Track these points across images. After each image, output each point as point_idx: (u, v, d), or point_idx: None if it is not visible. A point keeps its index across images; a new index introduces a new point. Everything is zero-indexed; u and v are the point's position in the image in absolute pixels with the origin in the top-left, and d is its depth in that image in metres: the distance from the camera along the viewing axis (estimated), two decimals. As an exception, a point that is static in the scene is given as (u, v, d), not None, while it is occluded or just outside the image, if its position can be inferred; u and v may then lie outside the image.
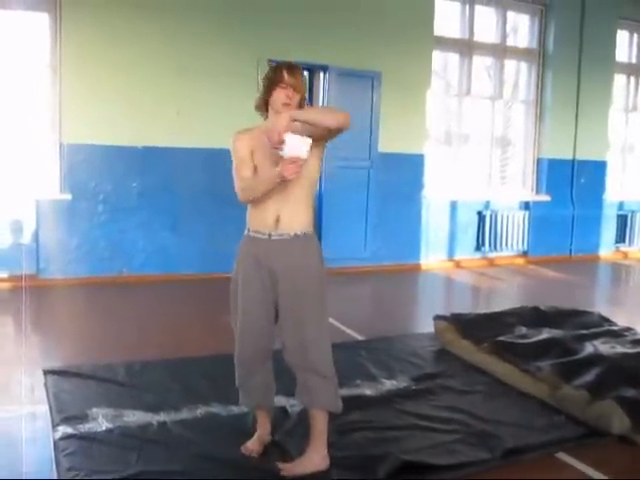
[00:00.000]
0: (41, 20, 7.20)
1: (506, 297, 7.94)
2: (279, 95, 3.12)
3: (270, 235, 3.13)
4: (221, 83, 7.64)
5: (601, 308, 6.14)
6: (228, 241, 7.74)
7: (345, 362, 4.17)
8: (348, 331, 5.72)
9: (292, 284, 3.10)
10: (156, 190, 7.50)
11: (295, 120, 2.95)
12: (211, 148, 7.48)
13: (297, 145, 2.89)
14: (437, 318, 5.36)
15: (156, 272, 7.50)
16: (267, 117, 3.24)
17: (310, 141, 2.90)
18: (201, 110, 7.58)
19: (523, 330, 4.97)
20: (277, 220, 3.10)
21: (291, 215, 3.11)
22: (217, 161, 7.51)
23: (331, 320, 5.31)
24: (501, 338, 4.79)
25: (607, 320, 5.40)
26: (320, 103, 8.30)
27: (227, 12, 7.62)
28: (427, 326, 5.64)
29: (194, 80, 7.52)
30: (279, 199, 3.08)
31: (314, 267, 3.18)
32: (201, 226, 7.70)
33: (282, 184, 3.01)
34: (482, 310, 6.00)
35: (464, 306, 7.34)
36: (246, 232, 3.24)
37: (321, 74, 8.27)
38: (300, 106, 3.17)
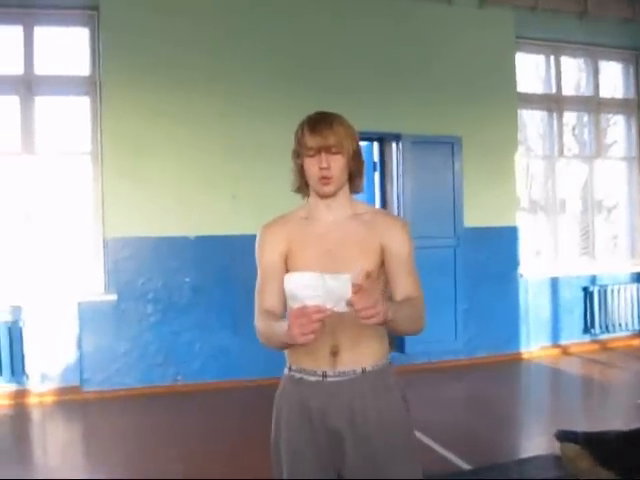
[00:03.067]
0: (82, 104, 6.56)
1: (630, 391, 6.61)
2: (310, 167, 2.20)
3: (325, 375, 2.13)
4: (280, 161, 6.75)
5: None
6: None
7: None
8: (444, 453, 4.58)
9: (365, 446, 2.07)
10: (212, 285, 6.61)
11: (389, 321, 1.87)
12: None
13: (305, 285, 1.86)
14: (562, 438, 4.15)
15: (216, 379, 6.55)
16: (309, 197, 2.31)
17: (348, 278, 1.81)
18: (259, 192, 6.72)
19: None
20: (335, 352, 2.11)
21: (355, 343, 2.11)
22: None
23: (420, 435, 4.16)
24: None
25: None
26: (394, 177, 7.35)
27: (284, 80, 6.84)
28: (545, 440, 4.59)
29: (250, 159, 6.71)
30: (335, 322, 2.01)
31: (397, 417, 2.14)
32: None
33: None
34: (611, 418, 4.81)
35: (582, 407, 6.14)
36: (286, 371, 2.26)
37: (393, 144, 7.35)
38: (353, 167, 2.24)
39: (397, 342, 7.11)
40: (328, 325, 1.94)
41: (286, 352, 2.22)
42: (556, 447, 4.25)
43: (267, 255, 2.23)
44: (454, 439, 4.86)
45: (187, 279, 6.56)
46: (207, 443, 5.07)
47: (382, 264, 2.18)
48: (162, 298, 6.49)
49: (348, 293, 1.78)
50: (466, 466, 4.40)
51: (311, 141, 2.15)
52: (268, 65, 6.80)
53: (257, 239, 2.31)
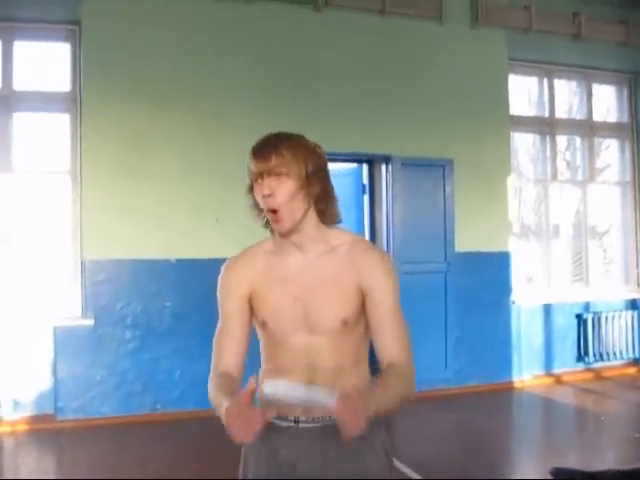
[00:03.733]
0: (62, 121, 6.35)
1: (626, 424, 6.39)
2: (257, 196, 1.95)
3: (297, 421, 1.91)
4: (267, 181, 6.57)
5: None
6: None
7: None
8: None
9: None
10: (193, 310, 6.33)
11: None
12: None
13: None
14: (559, 477, 3.90)
15: (196, 407, 6.21)
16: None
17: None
18: (244, 215, 6.44)
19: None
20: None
21: (332, 384, 1.79)
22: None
23: (408, 471, 3.93)
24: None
25: None
26: (383, 200, 7.14)
27: (271, 99, 6.64)
28: (542, 475, 4.25)
29: (235, 181, 6.41)
30: (311, 358, 1.89)
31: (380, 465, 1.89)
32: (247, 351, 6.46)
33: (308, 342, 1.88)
34: (607, 455, 4.59)
35: (576, 440, 5.92)
36: None
37: (383, 166, 7.15)
38: (314, 193, 1.95)
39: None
40: (304, 362, 1.86)
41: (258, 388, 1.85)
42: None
43: (230, 301, 2.05)
44: (444, 475, 4.62)
45: (167, 304, 6.31)
46: (187, 475, 4.81)
47: (362, 307, 1.93)
48: (141, 323, 6.23)
49: (331, 404, 1.60)
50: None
51: (253, 165, 1.92)
52: (255, 83, 6.62)
53: (220, 277, 2.11)
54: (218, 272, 6.48)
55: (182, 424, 6.03)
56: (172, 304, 6.32)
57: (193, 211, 6.37)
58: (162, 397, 6.27)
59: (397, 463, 3.73)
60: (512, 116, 7.79)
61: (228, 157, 6.46)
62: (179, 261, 6.33)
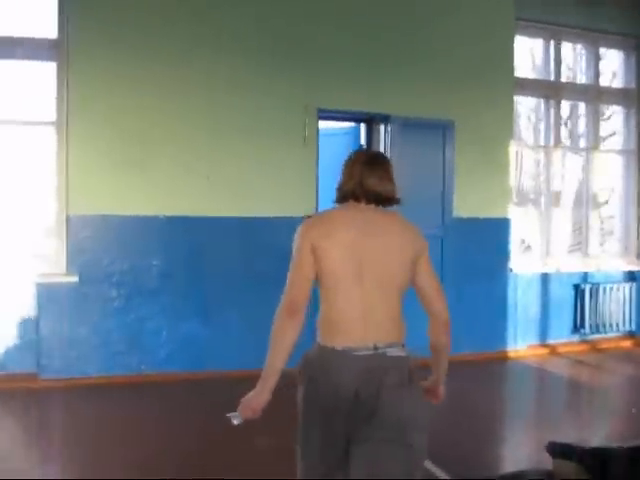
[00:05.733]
0: (48, 70, 6.06)
1: (622, 398, 6.27)
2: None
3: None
4: (260, 139, 6.34)
5: None
6: (268, 331, 6.50)
7: None
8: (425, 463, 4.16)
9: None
10: (182, 269, 6.18)
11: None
12: (248, 217, 6.25)
13: None
14: (556, 453, 3.75)
15: (183, 369, 6.12)
16: None
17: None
18: (236, 172, 6.29)
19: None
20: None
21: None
22: (256, 233, 6.32)
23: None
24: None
25: None
26: (381, 160, 6.90)
27: (269, 56, 6.38)
28: (533, 451, 4.38)
29: (227, 136, 6.27)
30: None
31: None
32: (237, 312, 6.29)
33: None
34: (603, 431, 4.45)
35: (571, 414, 5.79)
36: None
37: (382, 126, 6.90)
38: None
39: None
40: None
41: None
42: (546, 459, 3.87)
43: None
44: (435, 447, 4.44)
45: (155, 262, 6.11)
46: (169, 441, 4.65)
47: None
48: (127, 282, 6.03)
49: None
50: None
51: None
52: (251, 39, 6.34)
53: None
54: (208, 230, 6.33)
55: (167, 387, 5.87)
56: (160, 263, 6.12)
57: (183, 167, 6.13)
58: (147, 358, 6.10)
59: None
60: (517, 78, 7.54)
61: (220, 113, 6.25)
62: (168, 218, 6.11)
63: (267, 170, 6.39)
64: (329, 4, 6.60)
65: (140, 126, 6.03)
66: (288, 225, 6.36)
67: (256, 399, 2.36)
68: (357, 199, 2.42)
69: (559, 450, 3.80)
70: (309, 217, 2.56)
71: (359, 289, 2.32)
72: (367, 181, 2.41)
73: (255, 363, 6.15)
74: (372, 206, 2.43)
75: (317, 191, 6.54)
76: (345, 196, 2.45)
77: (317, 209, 6.51)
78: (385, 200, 2.45)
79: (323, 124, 7.00)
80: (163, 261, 6.13)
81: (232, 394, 5.89)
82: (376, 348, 2.30)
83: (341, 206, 2.48)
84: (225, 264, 6.28)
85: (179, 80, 6.13)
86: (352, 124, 7.23)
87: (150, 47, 6.06)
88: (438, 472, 4.08)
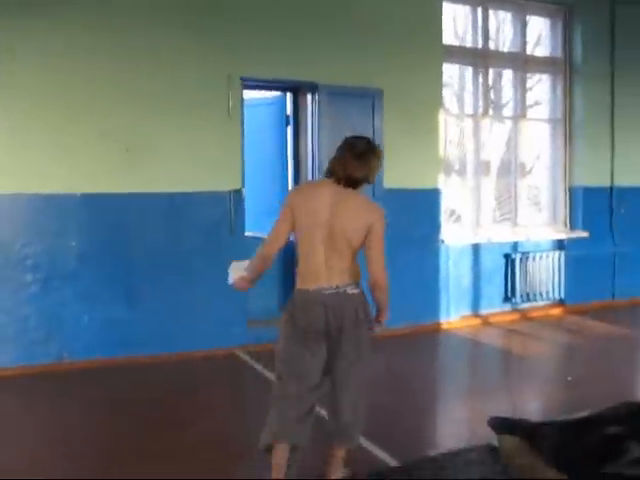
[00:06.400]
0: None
1: (556, 366, 6.28)
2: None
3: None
4: (182, 110, 6.02)
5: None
6: (198, 312, 6.23)
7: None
8: (365, 443, 4.01)
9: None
10: (102, 250, 5.83)
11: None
12: (172, 193, 5.97)
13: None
14: (498, 428, 3.65)
15: (106, 355, 5.79)
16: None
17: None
18: (158, 144, 5.96)
19: (637, 451, 3.25)
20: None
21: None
22: (180, 209, 6.02)
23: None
24: (609, 469, 3.10)
25: None
26: (308, 131, 6.69)
27: (186, 21, 6.02)
28: (473, 424, 4.37)
29: (148, 108, 5.92)
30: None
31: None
32: (162, 293, 6.00)
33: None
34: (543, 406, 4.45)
35: (507, 384, 5.77)
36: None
37: (309, 95, 6.66)
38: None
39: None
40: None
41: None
42: (488, 433, 3.78)
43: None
44: (375, 426, 4.31)
45: (73, 243, 5.74)
46: (98, 430, 4.37)
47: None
48: (43, 265, 5.65)
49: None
50: (390, 460, 3.86)
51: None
52: (173, 6, 5.97)
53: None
54: (130, 209, 5.95)
55: (91, 374, 5.55)
56: (77, 244, 5.75)
57: (100, 140, 5.75)
58: (69, 345, 5.75)
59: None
60: (445, 46, 7.40)
61: (140, 81, 5.90)
62: (85, 196, 5.74)
63: (190, 143, 6.07)
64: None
65: (48, 97, 5.62)
66: (213, 200, 6.18)
67: (247, 276, 3.36)
68: (338, 182, 3.17)
69: (501, 425, 3.71)
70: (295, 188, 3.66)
71: (323, 245, 3.14)
72: (350, 172, 3.15)
73: (184, 345, 5.94)
74: (345, 187, 3.17)
75: (243, 164, 6.27)
76: (331, 176, 3.20)
77: (243, 182, 6.26)
78: (357, 183, 3.18)
79: (248, 94, 6.72)
80: (82, 242, 5.76)
81: (159, 378, 5.62)
82: (337, 287, 3.15)
83: (324, 180, 3.25)
84: (148, 243, 5.97)
85: (99, 49, 5.72)
86: (278, 93, 6.96)
87: (69, 14, 5.63)
88: (380, 454, 3.93)
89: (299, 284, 3.23)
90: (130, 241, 5.92)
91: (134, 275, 5.93)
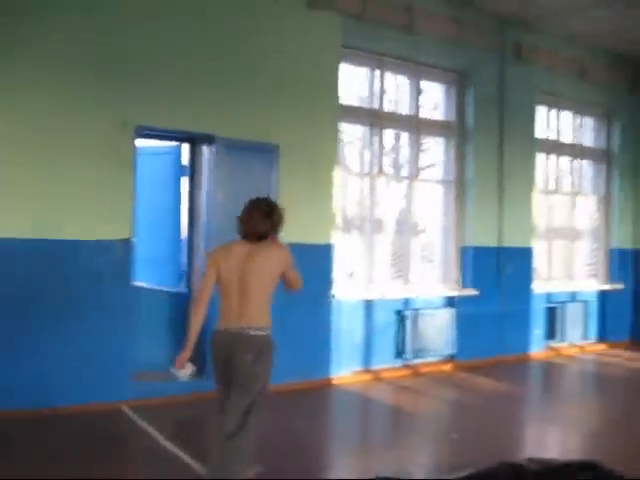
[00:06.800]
0: None
1: (442, 423, 6.35)
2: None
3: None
4: (74, 157, 5.89)
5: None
6: (80, 361, 5.98)
7: None
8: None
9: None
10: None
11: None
12: (60, 240, 5.87)
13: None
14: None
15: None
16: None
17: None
18: (45, 191, 5.79)
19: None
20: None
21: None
22: (69, 258, 5.91)
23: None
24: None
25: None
26: (204, 181, 6.66)
27: (83, 66, 5.92)
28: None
29: (38, 152, 5.77)
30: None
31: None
32: (45, 343, 5.73)
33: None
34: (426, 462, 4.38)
35: (395, 441, 5.80)
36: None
37: (205, 146, 6.65)
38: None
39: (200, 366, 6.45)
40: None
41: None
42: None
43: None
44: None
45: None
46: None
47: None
48: None
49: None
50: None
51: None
52: (64, 50, 5.87)
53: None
54: (15, 255, 5.60)
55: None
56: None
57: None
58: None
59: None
60: (342, 105, 7.57)
61: (30, 129, 5.73)
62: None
63: (81, 190, 5.92)
64: (147, 16, 6.25)
65: None
66: (102, 249, 6.01)
67: (183, 354, 3.89)
68: (246, 237, 3.93)
69: (382, 484, 3.69)
70: (218, 247, 4.17)
71: (238, 293, 3.84)
72: (250, 227, 3.91)
73: (65, 399, 5.65)
74: (254, 241, 3.91)
75: (133, 213, 6.15)
76: (240, 234, 3.96)
77: (133, 231, 6.13)
78: (262, 236, 3.91)
79: (144, 143, 6.64)
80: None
81: (37, 433, 5.28)
82: (242, 328, 3.80)
83: (237, 240, 3.98)
84: (34, 290, 5.71)
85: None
86: (174, 143, 6.92)
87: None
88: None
89: (216, 324, 3.93)
90: (15, 287, 5.66)
91: (15, 323, 5.65)
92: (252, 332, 3.79)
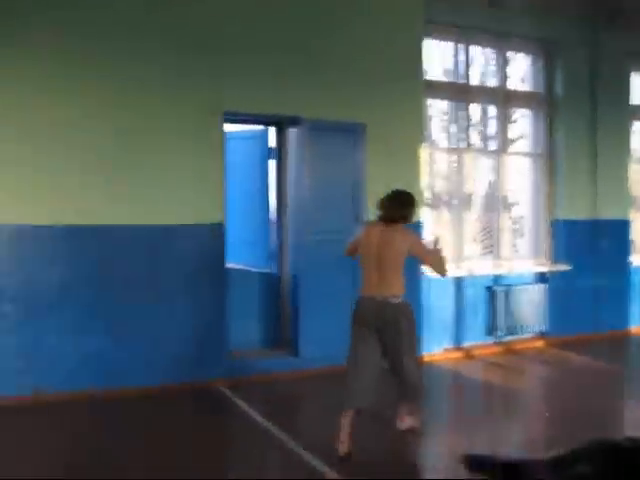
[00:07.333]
0: None
1: (533, 400, 6.29)
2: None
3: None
4: (165, 143, 6.07)
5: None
6: (177, 343, 6.21)
7: None
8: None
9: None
10: (83, 282, 5.82)
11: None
12: (153, 226, 5.98)
13: None
14: (473, 466, 3.63)
15: (85, 388, 5.74)
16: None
17: None
18: (140, 178, 6.01)
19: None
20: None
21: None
22: (162, 243, 6.06)
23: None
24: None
25: None
26: (291, 162, 6.76)
27: (172, 54, 6.09)
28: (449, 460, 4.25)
29: (131, 140, 5.97)
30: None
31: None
32: (143, 326, 5.98)
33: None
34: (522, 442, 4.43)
35: (487, 419, 5.73)
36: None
37: (291, 129, 6.73)
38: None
39: (293, 345, 6.60)
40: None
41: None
42: (463, 474, 3.74)
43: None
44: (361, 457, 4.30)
45: (54, 275, 5.72)
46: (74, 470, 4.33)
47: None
48: (22, 297, 5.63)
49: None
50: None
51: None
52: (156, 39, 6.06)
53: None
54: (113, 241, 5.90)
55: (68, 407, 5.48)
56: (59, 275, 5.74)
57: (83, 172, 5.79)
58: (44, 378, 5.68)
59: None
60: (427, 81, 7.50)
61: (124, 116, 5.95)
62: (67, 228, 5.73)
63: (172, 176, 6.11)
64: (236, 4, 6.36)
65: (36, 128, 5.66)
66: (195, 233, 6.19)
67: None
68: (382, 220, 4.63)
69: (474, 463, 3.69)
70: (367, 223, 5.18)
71: (375, 265, 4.55)
72: (386, 212, 4.62)
73: (161, 379, 5.90)
74: (388, 224, 4.60)
75: (224, 197, 6.29)
76: (379, 218, 4.66)
77: (224, 215, 6.27)
78: (396, 221, 4.60)
79: (231, 127, 6.77)
80: (63, 275, 5.75)
81: (136, 413, 5.56)
82: (383, 297, 4.51)
83: (376, 222, 4.71)
84: (130, 275, 5.96)
85: (77, 79, 5.78)
86: (261, 127, 7.02)
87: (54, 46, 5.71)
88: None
89: (360, 292, 4.65)
90: (112, 273, 5.91)
91: (115, 307, 5.91)
92: (391, 300, 4.49)
